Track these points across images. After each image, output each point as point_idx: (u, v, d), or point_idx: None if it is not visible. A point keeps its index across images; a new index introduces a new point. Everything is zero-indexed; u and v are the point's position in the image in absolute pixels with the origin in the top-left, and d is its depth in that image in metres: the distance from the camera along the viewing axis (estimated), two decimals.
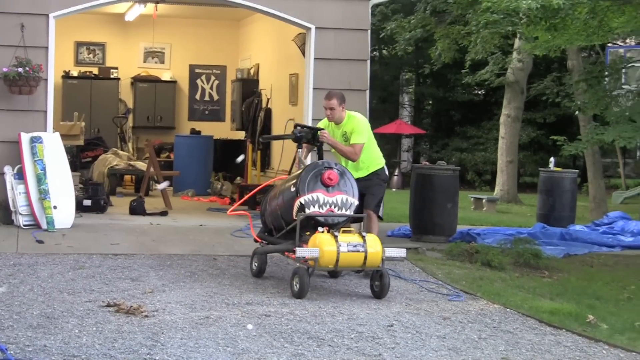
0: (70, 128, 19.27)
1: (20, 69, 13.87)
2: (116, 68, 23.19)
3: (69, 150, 15.39)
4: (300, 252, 9.37)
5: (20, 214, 13.82)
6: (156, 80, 23.65)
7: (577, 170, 23.64)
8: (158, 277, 11.13)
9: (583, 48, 27.06)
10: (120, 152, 20.60)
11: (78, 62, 23.09)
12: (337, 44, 15.37)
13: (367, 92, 15.72)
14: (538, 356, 8.62)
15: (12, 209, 13.88)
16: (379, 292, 9.79)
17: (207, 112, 23.90)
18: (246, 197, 12.76)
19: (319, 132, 10.75)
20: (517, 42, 28.56)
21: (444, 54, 32.06)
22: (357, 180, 10.54)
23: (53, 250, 12.30)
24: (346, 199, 9.84)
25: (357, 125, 10.90)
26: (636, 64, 19.29)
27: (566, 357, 8.60)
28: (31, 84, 14.01)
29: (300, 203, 9.71)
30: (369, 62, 15.88)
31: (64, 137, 15.11)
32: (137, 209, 16.27)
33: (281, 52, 19.74)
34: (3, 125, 14.13)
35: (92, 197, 16.17)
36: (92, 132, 21.58)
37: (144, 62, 23.70)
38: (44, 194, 13.75)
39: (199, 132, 22.52)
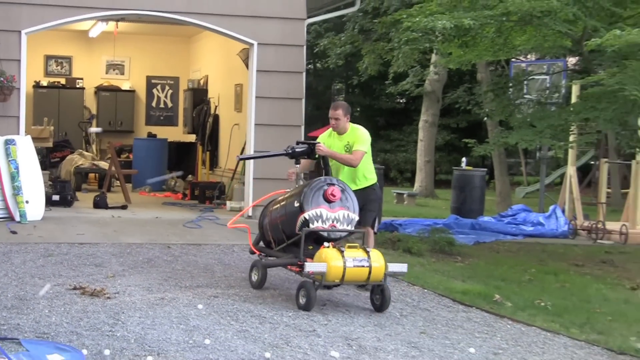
0: (40, 132, 19.13)
1: None
2: (81, 79, 23.02)
3: (39, 152, 15.24)
4: (309, 267, 8.59)
5: None
6: (117, 90, 23.52)
7: (485, 169, 23.85)
8: (119, 263, 11.07)
9: (491, 62, 27.27)
10: (85, 153, 20.45)
11: (47, 74, 22.89)
12: (277, 58, 15.36)
13: (303, 100, 15.73)
14: (452, 331, 8.67)
15: None
16: (380, 305, 9.00)
17: (162, 118, 23.79)
18: (247, 208, 11.95)
19: (315, 145, 9.88)
20: (433, 57, 28.72)
21: (370, 67, 32.24)
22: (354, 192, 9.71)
23: (25, 240, 12.20)
24: (347, 215, 9.16)
25: (360, 136, 10.05)
26: (536, 77, 19.43)
27: (476, 331, 8.67)
28: (5, 92, 13.96)
29: (305, 218, 8.99)
30: (304, 74, 15.88)
31: (35, 139, 15.00)
32: (100, 203, 16.18)
33: (227, 65, 19.69)
34: None
35: (60, 193, 16.07)
36: (60, 136, 21.41)
37: (106, 73, 23.54)
38: (17, 190, 13.67)
39: (154, 136, 22.44)
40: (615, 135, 20.06)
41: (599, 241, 17.09)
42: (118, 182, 18.32)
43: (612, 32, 11.60)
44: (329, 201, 8.99)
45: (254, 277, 9.76)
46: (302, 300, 8.79)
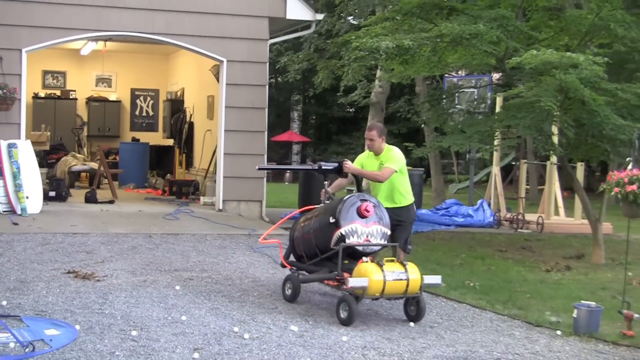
0: (38, 136, 18.98)
1: None
2: (74, 91, 22.86)
3: (37, 154, 15.12)
4: (352, 282, 7.70)
5: (0, 202, 13.62)
6: (105, 100, 23.38)
7: (423, 169, 23.97)
8: (107, 250, 11.02)
9: (427, 77, 27.42)
10: (78, 155, 20.31)
11: (45, 86, 22.69)
12: (243, 73, 15.35)
13: (266, 109, 15.73)
14: (394, 308, 8.72)
15: None
16: (415, 316, 8.08)
17: (144, 125, 23.67)
18: (277, 224, 10.84)
19: (343, 163, 9.04)
20: (378, 72, 28.74)
21: (324, 81, 32.24)
22: (388, 210, 8.74)
23: (25, 231, 12.10)
24: (381, 229, 8.24)
25: (393, 156, 9.06)
26: (466, 90, 19.57)
27: None
28: (8, 102, 13.88)
29: (341, 233, 8.08)
30: (267, 87, 15.89)
31: (34, 143, 14.91)
32: (90, 199, 16.08)
33: (201, 79, 19.64)
34: None
35: (56, 190, 15.96)
36: (55, 140, 21.22)
37: (96, 86, 23.38)
38: (18, 187, 13.59)
39: (138, 140, 22.34)
40: (532, 139, 20.27)
41: (519, 230, 17.27)
42: (106, 180, 18.20)
43: (530, 52, 11.71)
44: (363, 217, 8.16)
45: (288, 291, 8.66)
46: (343, 315, 7.78)
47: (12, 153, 13.71)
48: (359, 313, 7.88)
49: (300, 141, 40.81)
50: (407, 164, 22.33)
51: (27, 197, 13.67)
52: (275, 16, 15.38)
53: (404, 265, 7.90)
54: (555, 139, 13.95)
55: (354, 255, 8.15)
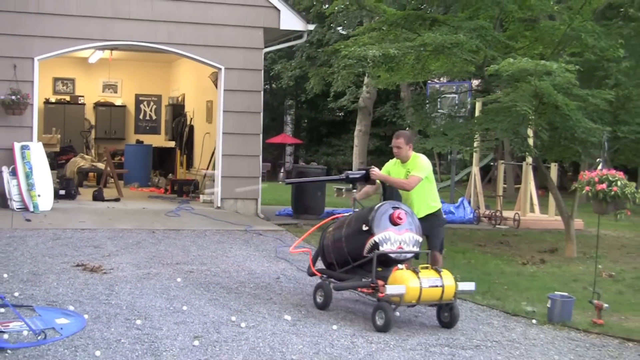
0: (49, 139, 18.91)
1: (13, 97, 13.76)
2: (82, 96, 22.80)
3: (48, 155, 15.07)
4: (390, 289, 7.20)
5: (14, 200, 13.60)
6: (111, 105, 23.31)
7: None
8: (113, 245, 11.01)
9: (411, 83, 27.51)
10: (86, 156, 20.26)
11: (55, 92, 22.62)
12: (240, 79, 15.34)
13: (261, 113, 15.72)
14: None
15: (8, 197, 13.64)
16: (449, 322, 7.59)
17: (147, 128, 23.62)
18: (307, 234, 9.50)
19: (370, 170, 8.54)
20: (366, 79, 28.84)
21: (315, 87, 32.34)
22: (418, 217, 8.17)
23: (38, 226, 12.08)
24: (413, 237, 7.68)
25: (419, 164, 8.41)
26: (447, 95, 19.58)
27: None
28: (21, 107, 13.87)
29: (375, 241, 7.53)
30: (262, 92, 15.87)
31: (45, 145, 14.87)
32: (98, 197, 16.05)
33: (200, 85, 19.62)
34: (2, 137, 13.89)
35: (66, 188, 15.92)
36: (65, 142, 21.16)
37: (103, 92, 23.31)
38: (31, 186, 13.57)
39: (142, 142, 22.31)
40: (509, 141, 20.29)
41: (497, 226, 17.30)
42: (112, 179, 18.18)
43: (507, 60, 11.73)
44: (395, 224, 7.62)
45: (319, 299, 8.12)
46: (379, 322, 7.30)
47: (25, 154, 13.71)
48: (395, 320, 7.51)
49: (293, 143, 40.85)
50: None
51: (39, 195, 13.66)
52: (270, 27, 15.38)
53: (439, 272, 7.47)
54: (531, 141, 13.99)
55: (386, 262, 7.65)
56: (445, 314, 7.60)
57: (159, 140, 22.80)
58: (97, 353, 6.04)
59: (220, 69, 15.37)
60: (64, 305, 7.51)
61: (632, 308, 8.97)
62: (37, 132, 14.52)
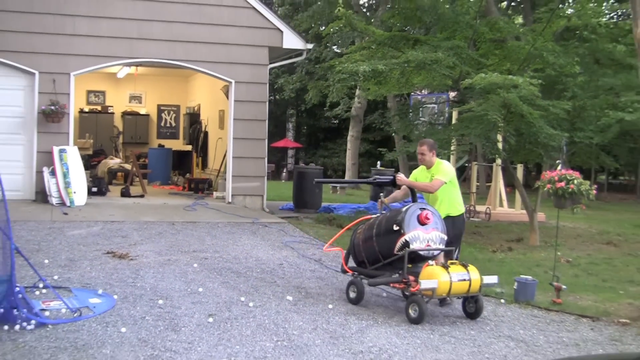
0: (83, 143, 18.95)
1: (52, 107, 13.79)
2: (112, 106, 22.80)
3: (82, 157, 15.10)
4: (425, 284, 6.91)
5: (53, 196, 13.61)
6: (137, 114, 23.30)
7: (393, 169, 24.02)
8: (138, 235, 11.03)
9: (397, 95, 27.48)
10: (115, 158, 20.29)
11: (88, 103, 22.60)
12: (248, 91, 15.36)
13: (266, 121, 15.73)
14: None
15: (48, 193, 13.64)
16: (474, 313, 7.29)
17: (168, 133, 23.61)
18: (340, 232, 8.85)
19: (396, 176, 8.17)
20: (357, 91, 28.84)
21: (313, 98, 32.33)
22: None
23: (73, 219, 12.10)
24: (439, 235, 7.32)
25: (442, 169, 7.96)
26: (428, 105, 19.60)
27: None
28: (59, 116, 13.89)
29: (405, 240, 7.17)
30: (267, 103, 15.89)
31: (80, 149, 14.89)
32: (125, 193, 16.05)
33: (213, 97, 19.63)
34: (43, 142, 13.94)
35: (97, 186, 15.93)
36: (97, 146, 21.16)
37: (129, 102, 23.30)
38: (67, 184, 13.60)
39: (163, 146, 22.30)
40: (482, 145, 20.34)
41: (471, 219, 17.31)
42: (138, 178, 18.19)
43: (479, 75, 11.77)
44: (423, 224, 7.27)
45: (352, 294, 7.69)
46: (413, 314, 7.00)
47: (63, 157, 13.75)
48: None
49: (294, 147, 40.84)
50: (382, 165, 22.12)
51: (74, 192, 13.67)
52: (274, 46, 15.39)
53: (466, 267, 7.19)
54: (500, 145, 14.02)
55: (415, 259, 7.35)
56: (471, 305, 7.33)
57: (178, 144, 22.81)
58: (123, 329, 6.08)
59: (230, 82, 15.39)
60: (96, 287, 7.55)
61: (586, 289, 9.03)
62: (72, 138, 14.54)
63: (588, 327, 7.26)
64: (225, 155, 17.13)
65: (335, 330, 6.54)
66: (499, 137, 14.38)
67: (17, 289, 6.23)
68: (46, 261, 8.71)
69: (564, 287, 8.08)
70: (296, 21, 31.45)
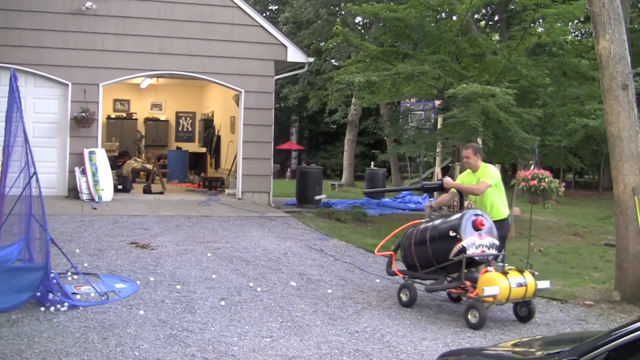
0: (110, 146, 18.89)
1: (83, 114, 13.75)
2: (135, 113, 22.75)
3: (109, 158, 15.08)
4: (488, 290, 6.32)
5: (83, 193, 13.59)
6: (157, 120, 23.26)
7: (385, 169, 23.98)
8: (159, 227, 11.02)
9: (388, 103, 27.44)
10: (138, 159, 20.23)
11: (115, 110, 22.54)
12: (256, 100, 15.32)
13: (272, 126, 15.68)
14: (367, 267, 8.77)
15: (78, 190, 13.62)
16: (526, 317, 6.72)
17: (185, 137, 23.54)
18: (390, 236, 8.35)
19: (443, 181, 7.52)
20: (353, 99, 28.78)
21: (314, 106, 32.27)
22: None
23: (101, 213, 12.09)
24: (492, 240, 6.71)
25: (487, 172, 7.31)
26: (416, 112, 19.59)
27: (380, 268, 8.76)
28: (89, 122, 13.86)
29: (462, 246, 6.55)
30: (273, 110, 15.84)
31: (107, 151, 14.89)
32: (147, 191, 16.01)
33: (225, 104, 19.59)
34: (74, 145, 13.90)
35: (122, 184, 15.88)
36: (122, 148, 21.11)
37: (151, 110, 23.24)
38: (96, 182, 13.58)
39: (180, 148, 22.25)
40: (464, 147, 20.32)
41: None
42: (158, 177, 18.15)
43: (461, 85, 11.76)
44: (477, 230, 6.65)
45: (405, 298, 7.11)
46: (473, 320, 6.39)
47: (92, 158, 13.73)
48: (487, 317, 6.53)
49: (297, 149, 40.78)
50: (375, 165, 22.06)
51: (102, 189, 13.65)
52: (279, 59, 15.36)
53: (522, 272, 6.65)
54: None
55: (470, 264, 6.79)
56: (523, 309, 6.76)
57: (194, 146, 22.77)
58: (141, 312, 6.07)
59: (241, 92, 15.36)
60: (122, 273, 7.54)
61: (556, 275, 9.02)
62: (101, 141, 14.50)
63: (557, 309, 7.25)
64: (235, 157, 17.10)
65: (333, 312, 6.53)
66: (479, 141, 14.37)
67: (52, 275, 6.23)
68: (77, 250, 8.70)
69: (536, 273, 8.03)
70: (299, 38, 31.37)
